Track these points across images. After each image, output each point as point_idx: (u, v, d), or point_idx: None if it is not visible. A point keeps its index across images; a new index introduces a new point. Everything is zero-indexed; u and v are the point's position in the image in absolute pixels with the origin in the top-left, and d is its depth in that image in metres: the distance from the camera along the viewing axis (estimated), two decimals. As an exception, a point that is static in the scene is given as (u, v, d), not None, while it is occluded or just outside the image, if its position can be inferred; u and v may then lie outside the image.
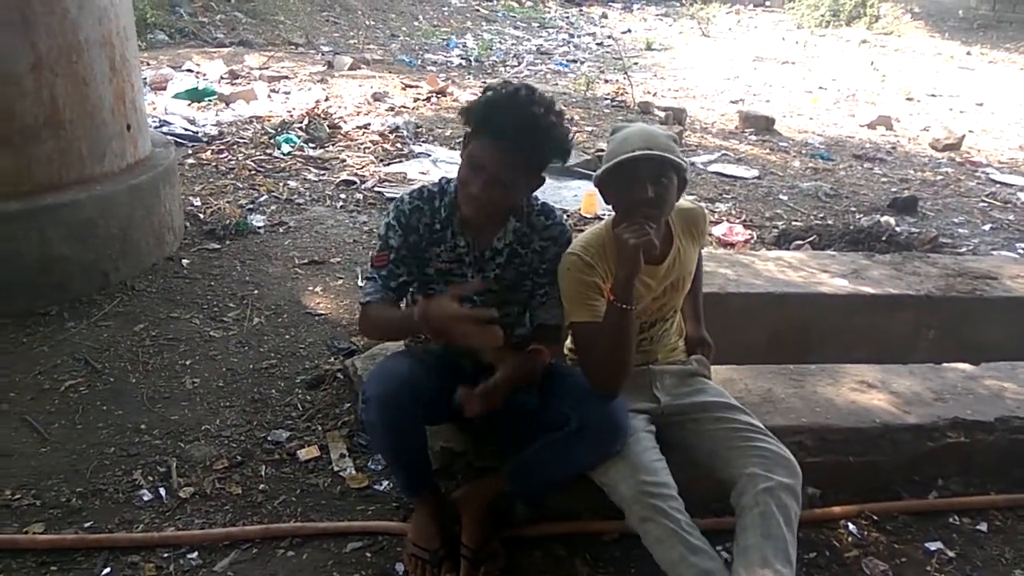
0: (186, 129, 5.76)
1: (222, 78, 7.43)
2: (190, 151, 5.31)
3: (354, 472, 2.34)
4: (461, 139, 1.96)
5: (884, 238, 4.34)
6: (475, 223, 1.93)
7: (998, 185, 6.04)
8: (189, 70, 7.65)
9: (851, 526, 2.22)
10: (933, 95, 9.51)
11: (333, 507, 2.21)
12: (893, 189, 5.73)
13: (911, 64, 11.58)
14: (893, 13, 14.59)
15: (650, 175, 1.83)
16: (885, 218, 4.79)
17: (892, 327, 3.16)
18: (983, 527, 2.26)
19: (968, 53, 12.69)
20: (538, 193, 2.02)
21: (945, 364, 2.74)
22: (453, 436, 2.16)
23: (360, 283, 3.54)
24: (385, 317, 1.94)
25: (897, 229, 4.55)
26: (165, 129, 5.48)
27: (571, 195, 5.09)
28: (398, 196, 2.02)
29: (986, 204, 5.55)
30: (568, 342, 2.16)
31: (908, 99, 9.19)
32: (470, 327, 1.69)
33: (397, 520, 2.14)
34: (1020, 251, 4.64)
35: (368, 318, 1.99)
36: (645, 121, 7.16)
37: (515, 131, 1.78)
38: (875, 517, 2.25)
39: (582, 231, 2.09)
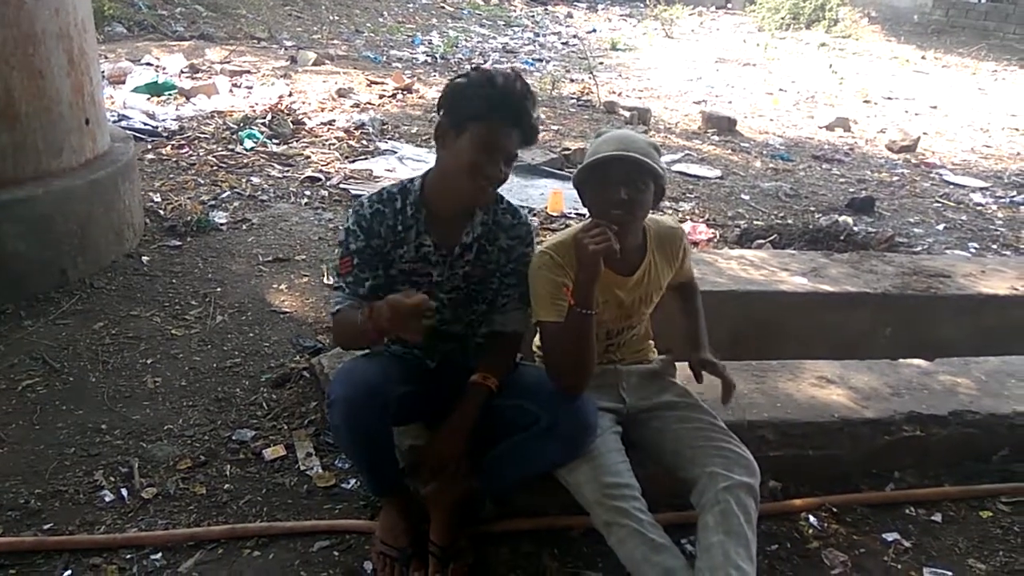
0: (145, 124, 5.65)
1: (182, 72, 7.30)
2: (150, 146, 5.22)
3: (321, 471, 2.32)
4: (435, 132, 1.92)
5: (842, 237, 4.44)
6: (456, 215, 1.92)
7: (951, 186, 6.21)
8: (148, 64, 7.50)
9: (812, 518, 2.27)
10: (889, 98, 9.74)
11: (300, 506, 2.19)
12: (851, 189, 5.85)
13: (868, 67, 11.83)
14: (851, 17, 14.88)
15: (623, 177, 1.84)
16: (843, 218, 4.90)
17: (850, 324, 3.24)
18: (938, 518, 2.32)
19: (923, 57, 13.00)
20: (505, 191, 2.03)
21: (901, 360, 2.81)
22: (421, 434, 2.15)
23: (328, 281, 3.52)
24: (347, 322, 1.87)
25: (855, 229, 4.66)
26: (124, 124, 5.37)
27: (537, 193, 5.10)
28: (357, 200, 2.01)
29: (940, 205, 5.70)
30: (537, 340, 2.18)
31: (865, 101, 9.39)
32: (404, 314, 1.65)
33: (365, 518, 2.14)
34: (973, 250, 4.78)
35: (336, 329, 1.97)
36: (614, 122, 7.22)
37: (518, 113, 1.83)
38: (835, 509, 2.30)
39: (549, 230, 2.10)
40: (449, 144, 1.86)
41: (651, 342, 2.24)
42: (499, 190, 1.99)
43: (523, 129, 1.86)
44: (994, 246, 4.91)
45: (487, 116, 1.80)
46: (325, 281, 3.53)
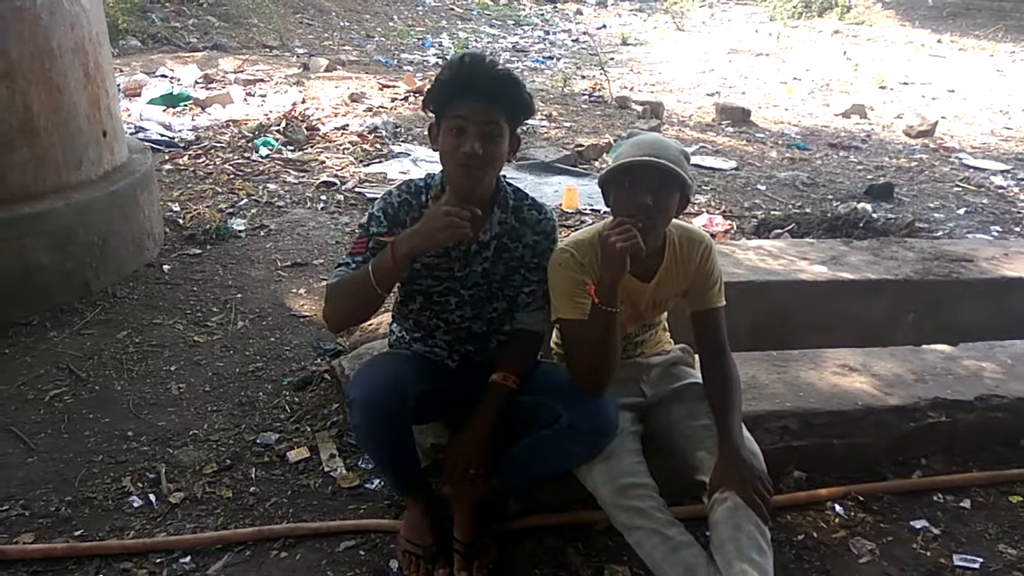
0: (162, 135, 5.72)
1: (197, 83, 7.38)
2: (167, 157, 5.27)
3: (344, 472, 2.34)
4: (428, 135, 1.94)
5: (861, 224, 4.40)
6: (468, 198, 1.87)
7: (971, 170, 6.14)
8: (163, 75, 7.60)
9: (838, 507, 2.25)
10: (906, 83, 9.64)
11: (325, 507, 2.21)
12: (869, 176, 5.80)
13: (883, 53, 11.72)
14: (864, 3, 14.76)
15: (651, 184, 1.82)
16: (862, 205, 4.85)
17: (871, 311, 3.21)
18: (966, 504, 2.29)
19: (939, 41, 12.86)
20: (519, 187, 2.03)
21: (924, 346, 2.78)
22: (443, 433, 2.16)
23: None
24: (347, 279, 1.82)
25: (874, 215, 4.61)
26: (141, 135, 5.44)
27: (552, 191, 5.10)
28: (385, 191, 2.00)
29: (960, 189, 5.64)
30: (556, 337, 2.17)
31: (881, 88, 9.31)
32: (449, 216, 1.70)
33: (389, 518, 2.15)
34: (995, 233, 4.72)
35: (332, 292, 1.86)
36: (626, 114, 7.20)
37: (483, 83, 1.79)
38: (861, 498, 2.28)
39: (564, 227, 2.08)
40: (437, 139, 1.88)
41: (666, 333, 2.23)
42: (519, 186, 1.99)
43: (495, 98, 1.80)
44: (1017, 229, 4.85)
45: (448, 99, 1.82)
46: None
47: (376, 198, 1.96)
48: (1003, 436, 2.49)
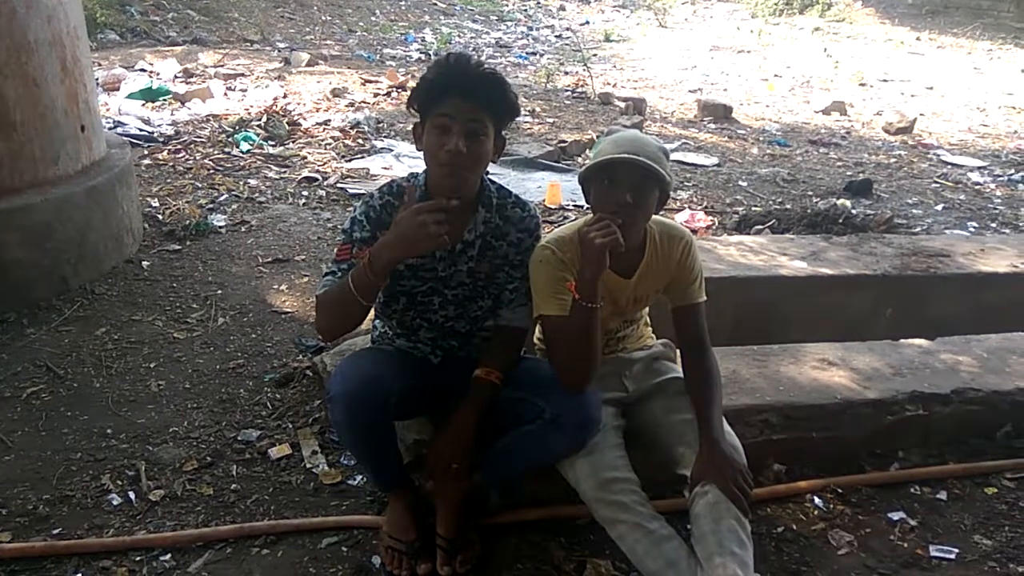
0: (141, 129, 5.66)
1: (176, 77, 7.30)
2: (146, 151, 5.22)
3: (327, 468, 2.33)
4: (413, 134, 1.93)
5: (841, 220, 4.44)
6: (459, 211, 1.86)
7: (949, 166, 6.21)
8: (142, 70, 7.51)
9: (817, 500, 2.27)
10: (885, 80, 9.73)
11: (307, 504, 2.20)
12: (848, 173, 5.85)
13: (863, 50, 11.82)
14: (844, 0, 14.86)
15: (631, 181, 1.82)
16: (841, 201, 4.90)
17: (851, 306, 3.24)
18: (943, 496, 2.33)
19: (918, 39, 13.00)
20: (503, 183, 2.03)
21: (902, 340, 2.81)
22: (425, 429, 2.16)
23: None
24: (334, 290, 1.83)
25: (853, 211, 4.65)
26: (120, 130, 5.38)
27: (535, 186, 5.11)
28: (366, 192, 1.99)
29: (938, 185, 5.70)
30: (539, 333, 2.18)
31: (861, 85, 9.39)
32: (422, 222, 1.69)
33: (372, 514, 2.14)
34: (972, 229, 4.78)
35: (321, 304, 1.87)
36: (609, 111, 7.21)
37: (469, 82, 1.79)
38: (839, 490, 2.30)
39: (547, 222, 2.08)
40: (422, 139, 1.87)
41: (649, 328, 2.24)
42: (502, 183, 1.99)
43: (480, 97, 1.79)
44: (993, 225, 4.91)
45: (434, 97, 1.81)
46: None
47: (359, 194, 1.94)
48: (979, 428, 2.52)
